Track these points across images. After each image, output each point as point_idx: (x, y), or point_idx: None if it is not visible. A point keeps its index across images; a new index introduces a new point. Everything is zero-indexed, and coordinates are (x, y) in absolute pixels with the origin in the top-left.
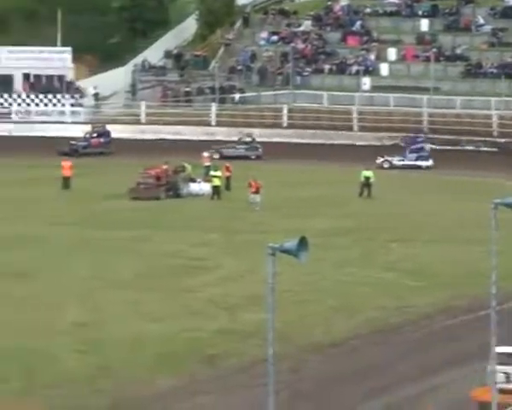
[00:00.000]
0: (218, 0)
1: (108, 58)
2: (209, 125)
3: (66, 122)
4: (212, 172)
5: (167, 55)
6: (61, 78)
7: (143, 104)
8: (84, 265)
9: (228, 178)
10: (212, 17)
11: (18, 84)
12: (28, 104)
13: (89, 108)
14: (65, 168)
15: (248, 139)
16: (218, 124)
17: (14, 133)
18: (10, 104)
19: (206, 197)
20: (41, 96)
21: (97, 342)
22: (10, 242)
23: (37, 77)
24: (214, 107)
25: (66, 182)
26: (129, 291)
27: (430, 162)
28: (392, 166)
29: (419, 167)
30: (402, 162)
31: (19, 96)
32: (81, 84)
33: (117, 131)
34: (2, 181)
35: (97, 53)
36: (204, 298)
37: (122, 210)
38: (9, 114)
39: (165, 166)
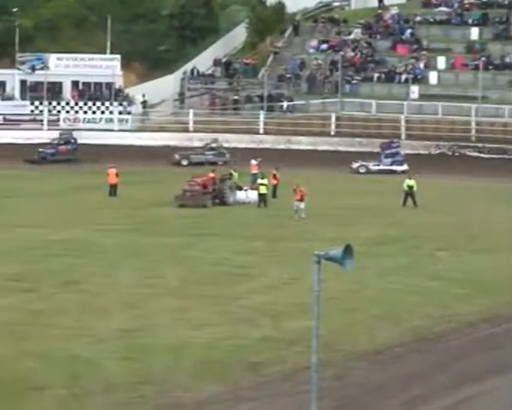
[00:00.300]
0: (268, 8)
1: (157, 66)
2: (257, 133)
3: (113, 130)
4: (259, 181)
5: (216, 62)
6: (109, 85)
7: (191, 112)
8: (131, 271)
9: (275, 186)
10: (262, 25)
11: (67, 91)
12: (76, 112)
13: (137, 116)
14: (111, 175)
15: (215, 145)
16: (266, 132)
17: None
18: (59, 111)
19: (252, 205)
20: (89, 103)
21: (142, 348)
22: (59, 248)
23: (86, 84)
24: (262, 115)
25: (112, 189)
26: (174, 298)
27: (405, 167)
28: (369, 171)
29: (394, 172)
30: (377, 167)
31: (67, 104)
32: (129, 91)
33: (165, 139)
34: (51, 188)
35: (146, 60)
36: (248, 306)
37: (169, 218)
38: (58, 121)
39: (211, 174)
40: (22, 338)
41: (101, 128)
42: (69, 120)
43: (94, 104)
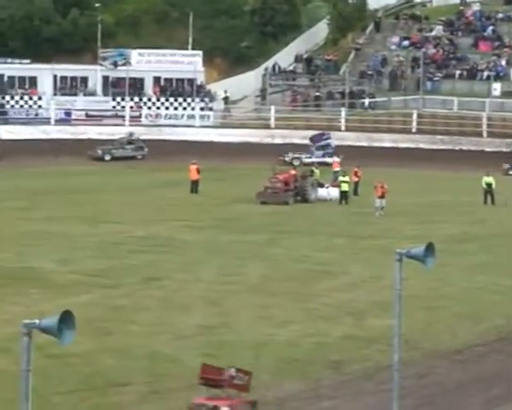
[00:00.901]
0: (349, 4)
1: (239, 62)
2: (339, 130)
3: (195, 126)
4: (341, 178)
5: (298, 59)
6: (191, 81)
7: (273, 108)
8: (212, 268)
9: (356, 184)
10: (344, 21)
11: (148, 87)
12: (158, 108)
13: (218, 112)
14: (192, 172)
15: (132, 139)
16: (348, 129)
17: (144, 137)
18: (140, 107)
19: (333, 202)
20: (171, 99)
21: (222, 345)
22: (142, 244)
23: (168, 80)
24: (344, 112)
25: (194, 186)
26: (255, 295)
27: (337, 158)
28: (303, 164)
29: (326, 164)
30: (310, 159)
31: (149, 100)
32: (211, 87)
33: (246, 136)
34: (134, 184)
35: (228, 57)
36: (330, 303)
37: (250, 214)
38: (139, 117)
39: (293, 172)
40: (104, 334)
41: (183, 124)
42: (151, 115)
43: (176, 100)
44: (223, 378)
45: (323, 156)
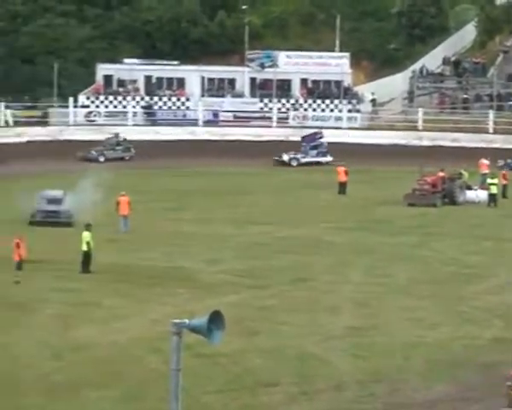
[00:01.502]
0: (497, 7)
1: (386, 64)
2: (487, 132)
3: (342, 128)
4: (490, 180)
5: (445, 61)
6: (338, 83)
7: (421, 111)
8: (359, 270)
9: (504, 186)
10: (491, 24)
11: (295, 88)
12: (305, 109)
13: (366, 114)
14: (340, 174)
15: (118, 140)
16: (496, 131)
17: (292, 138)
18: (288, 109)
19: (482, 205)
20: (318, 101)
21: (371, 346)
22: (288, 245)
23: (315, 82)
24: (492, 114)
25: (342, 187)
26: (404, 297)
27: (329, 158)
28: (300, 163)
29: (319, 163)
30: (305, 159)
31: (296, 101)
32: (358, 89)
33: (393, 138)
34: (281, 185)
35: (375, 59)
36: (478, 306)
37: (398, 216)
38: (287, 118)
39: (441, 174)
40: (253, 334)
41: (330, 126)
42: (298, 117)
43: (323, 102)
44: None
45: (317, 156)
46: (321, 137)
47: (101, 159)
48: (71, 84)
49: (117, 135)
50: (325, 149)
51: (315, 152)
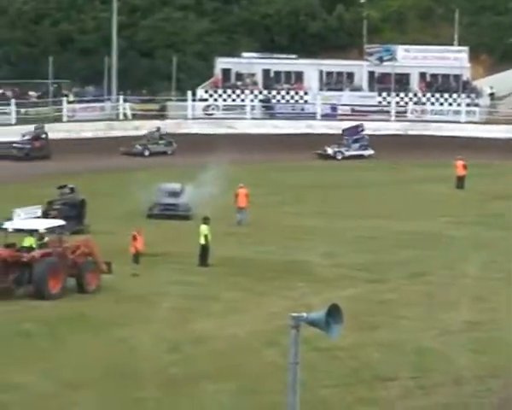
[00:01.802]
0: None
1: (505, 58)
2: None
3: (460, 122)
4: None
5: None
6: (457, 77)
7: None
8: (477, 264)
9: None
10: None
11: (414, 82)
12: (424, 103)
13: (484, 108)
14: (459, 167)
15: (161, 133)
16: None
17: (410, 132)
18: (406, 103)
19: None
20: (437, 95)
21: (489, 341)
22: (406, 239)
23: (434, 76)
24: None
25: (460, 181)
26: None
27: (371, 151)
28: (344, 157)
29: (362, 156)
30: (349, 153)
31: (415, 95)
32: (477, 83)
33: (511, 132)
34: (394, 179)
35: (494, 53)
36: None
37: None
38: (405, 112)
39: None
40: (370, 328)
41: (449, 120)
42: (416, 111)
43: (441, 96)
44: None
45: (359, 149)
46: (362, 130)
47: (146, 153)
48: (189, 77)
49: (159, 129)
50: (366, 143)
51: (357, 145)
